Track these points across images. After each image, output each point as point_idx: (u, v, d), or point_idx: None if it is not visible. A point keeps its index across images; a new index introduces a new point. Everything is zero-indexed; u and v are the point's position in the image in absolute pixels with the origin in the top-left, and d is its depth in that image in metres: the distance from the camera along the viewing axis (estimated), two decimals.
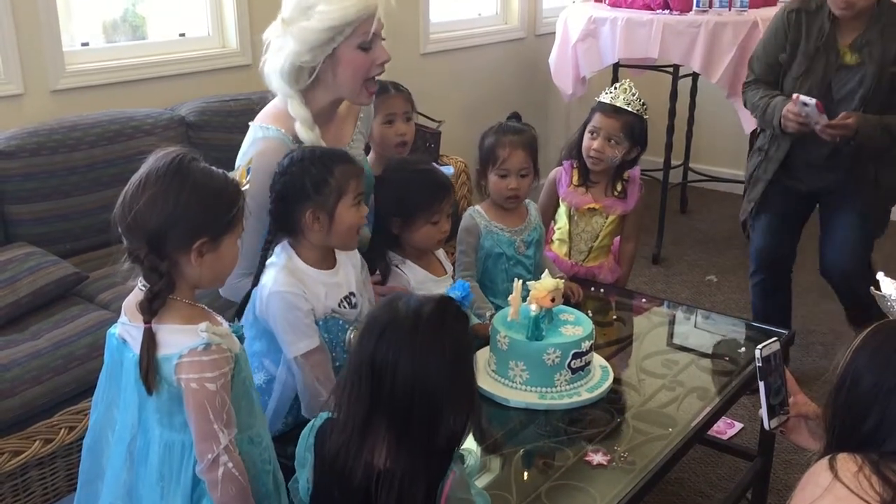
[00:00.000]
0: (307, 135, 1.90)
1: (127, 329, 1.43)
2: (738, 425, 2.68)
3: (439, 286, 2.05)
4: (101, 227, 2.66)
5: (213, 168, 1.43)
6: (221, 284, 1.50)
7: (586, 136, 2.56)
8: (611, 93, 2.56)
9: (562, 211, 2.63)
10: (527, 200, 2.43)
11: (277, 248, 1.79)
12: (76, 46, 2.97)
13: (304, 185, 1.72)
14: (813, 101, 2.45)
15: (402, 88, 2.46)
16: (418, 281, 2.06)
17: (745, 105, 2.85)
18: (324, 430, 1.41)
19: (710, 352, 2.19)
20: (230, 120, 3.02)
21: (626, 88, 2.54)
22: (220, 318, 1.44)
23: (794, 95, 2.52)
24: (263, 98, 3.13)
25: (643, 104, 2.56)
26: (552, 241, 2.67)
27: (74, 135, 2.61)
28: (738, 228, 4.28)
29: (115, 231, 1.38)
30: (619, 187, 2.61)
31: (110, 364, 1.48)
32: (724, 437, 2.62)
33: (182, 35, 3.29)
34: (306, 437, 1.44)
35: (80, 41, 2.99)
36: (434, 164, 2.51)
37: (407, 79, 2.57)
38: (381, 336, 1.32)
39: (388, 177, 2.12)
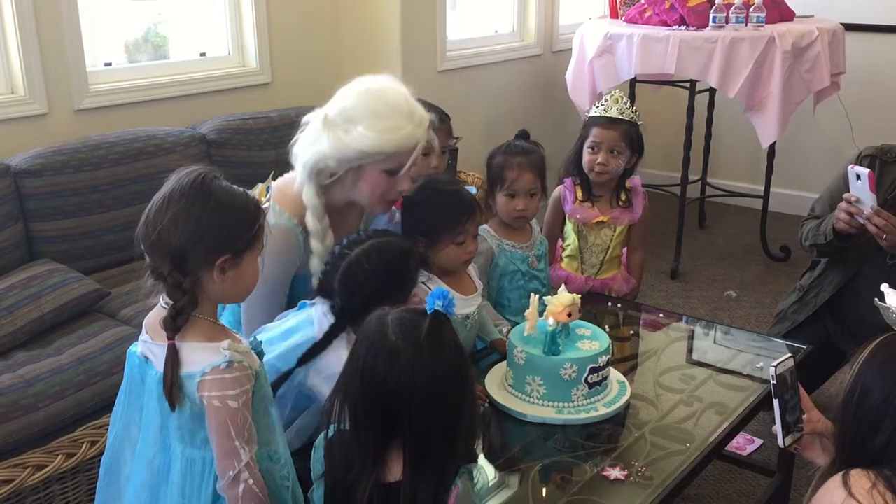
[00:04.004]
0: (315, 225, 1.91)
1: (149, 347, 1.44)
2: (758, 441, 2.66)
3: (467, 305, 2.05)
4: (124, 244, 2.72)
5: (234, 186, 1.45)
6: (243, 300, 1.52)
7: (586, 151, 2.56)
8: (602, 105, 2.57)
9: (569, 228, 2.63)
10: None
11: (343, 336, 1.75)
12: (99, 66, 3.02)
13: (385, 286, 1.71)
14: (866, 171, 2.31)
15: (445, 118, 2.46)
16: None
17: (801, 240, 2.64)
18: (332, 444, 1.43)
19: (728, 367, 2.19)
20: (250, 138, 3.06)
21: (616, 99, 2.55)
22: (239, 336, 1.46)
23: (850, 166, 2.37)
24: (283, 116, 3.20)
25: (635, 111, 2.57)
26: (561, 258, 2.67)
27: (97, 153, 2.65)
28: (757, 244, 4.28)
29: (139, 248, 1.40)
30: (623, 197, 2.62)
31: (130, 382, 1.50)
32: (744, 454, 2.60)
33: (203, 54, 3.34)
34: (318, 450, 1.46)
35: (103, 61, 3.05)
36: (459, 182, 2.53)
37: (424, 96, 2.58)
38: (391, 366, 1.33)
39: (413, 196, 2.09)
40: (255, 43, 3.36)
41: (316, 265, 1.92)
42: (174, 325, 1.37)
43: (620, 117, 2.52)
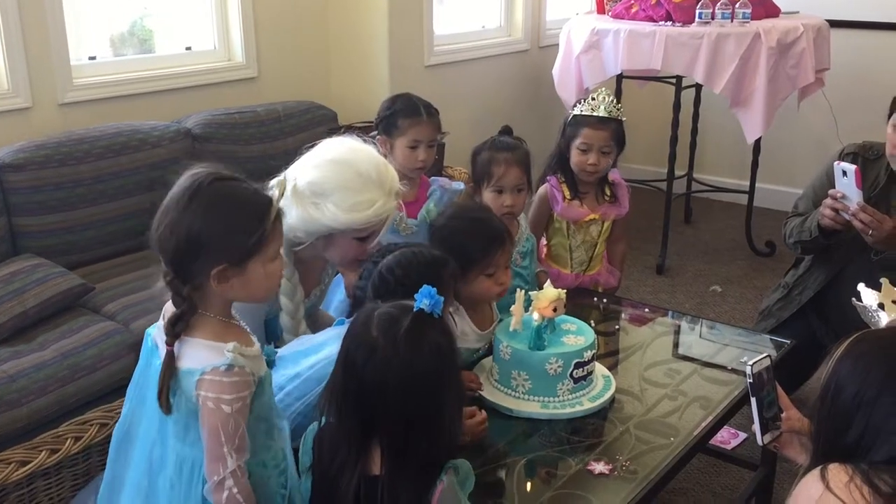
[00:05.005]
0: (285, 283, 1.87)
1: (161, 336, 1.41)
2: (742, 435, 2.68)
3: (482, 339, 2.04)
4: (108, 238, 2.72)
5: (242, 186, 1.38)
6: (261, 301, 1.46)
7: (576, 152, 2.54)
8: (590, 104, 2.54)
9: (555, 227, 2.62)
10: None
11: None
12: (84, 60, 3.00)
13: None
14: (853, 167, 2.29)
15: (433, 112, 2.44)
16: (463, 332, 1.99)
17: (785, 237, 2.64)
18: (321, 436, 1.44)
19: (713, 362, 2.20)
20: (236, 132, 3.06)
21: (603, 98, 2.54)
22: (253, 338, 1.42)
23: (836, 162, 2.37)
24: (269, 110, 3.20)
25: (620, 108, 2.56)
26: (549, 256, 2.67)
27: (81, 147, 2.64)
28: (742, 239, 4.30)
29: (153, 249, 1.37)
30: (608, 192, 2.62)
31: (143, 364, 1.47)
32: (729, 447, 2.61)
33: (188, 48, 3.32)
34: (306, 442, 1.47)
35: (87, 55, 3.03)
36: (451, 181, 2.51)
37: (411, 91, 2.59)
38: (367, 359, 1.34)
39: (443, 225, 2.05)
40: (241, 37, 3.35)
41: (286, 321, 1.89)
42: (173, 332, 1.34)
43: (609, 117, 2.52)
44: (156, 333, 1.44)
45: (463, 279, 1.89)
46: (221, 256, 1.33)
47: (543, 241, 2.68)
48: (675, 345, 2.37)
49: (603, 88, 2.65)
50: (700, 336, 2.43)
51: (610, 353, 2.21)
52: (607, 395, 1.91)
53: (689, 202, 4.71)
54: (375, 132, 2.46)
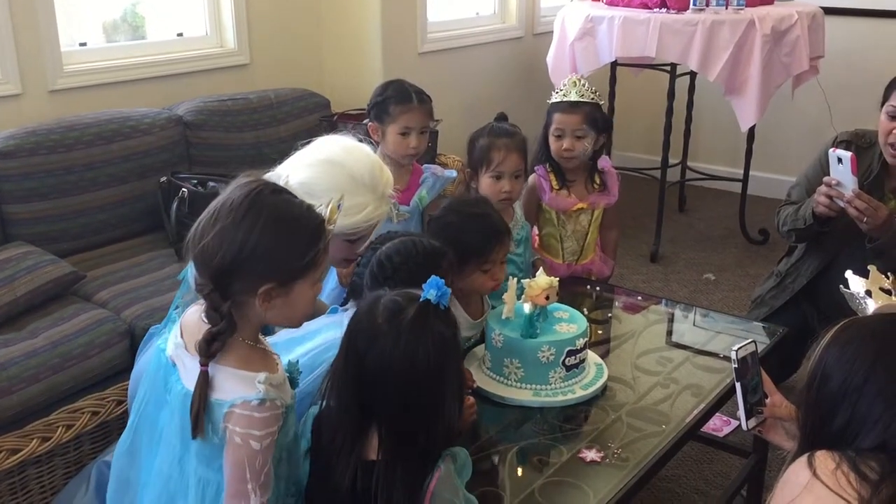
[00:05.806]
0: None
1: (180, 355, 1.34)
2: (734, 423, 2.68)
3: (473, 327, 2.04)
4: (99, 226, 2.71)
5: (295, 202, 1.32)
6: (293, 326, 1.42)
7: (552, 139, 2.54)
8: (562, 90, 2.54)
9: (546, 217, 2.61)
10: None
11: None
12: (75, 46, 2.98)
13: (414, 283, 1.55)
14: (848, 154, 2.28)
15: (425, 99, 2.43)
16: None
17: (779, 226, 2.64)
18: (320, 419, 1.44)
19: (705, 349, 2.20)
20: (228, 119, 3.04)
21: (574, 82, 2.54)
22: (276, 358, 1.37)
23: (830, 150, 2.38)
24: (261, 97, 3.18)
25: (595, 92, 2.55)
26: (540, 246, 2.66)
27: (72, 134, 2.62)
28: (736, 227, 4.31)
29: (187, 256, 1.31)
30: (597, 180, 2.61)
31: (154, 378, 1.39)
32: (721, 435, 2.62)
33: (180, 35, 3.30)
34: (306, 425, 1.47)
35: (78, 41, 3.01)
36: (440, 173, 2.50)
37: (404, 78, 2.58)
38: (370, 346, 1.33)
39: (441, 217, 2.03)
40: (233, 23, 3.33)
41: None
42: (208, 351, 1.26)
43: (581, 100, 2.51)
44: (172, 351, 1.36)
45: (458, 273, 1.88)
46: (271, 275, 1.27)
47: (535, 230, 2.67)
48: (668, 333, 2.37)
49: (574, 73, 2.64)
50: (693, 324, 2.43)
51: (602, 341, 2.21)
52: (599, 383, 1.91)
53: (683, 190, 4.71)
54: (367, 119, 2.45)
